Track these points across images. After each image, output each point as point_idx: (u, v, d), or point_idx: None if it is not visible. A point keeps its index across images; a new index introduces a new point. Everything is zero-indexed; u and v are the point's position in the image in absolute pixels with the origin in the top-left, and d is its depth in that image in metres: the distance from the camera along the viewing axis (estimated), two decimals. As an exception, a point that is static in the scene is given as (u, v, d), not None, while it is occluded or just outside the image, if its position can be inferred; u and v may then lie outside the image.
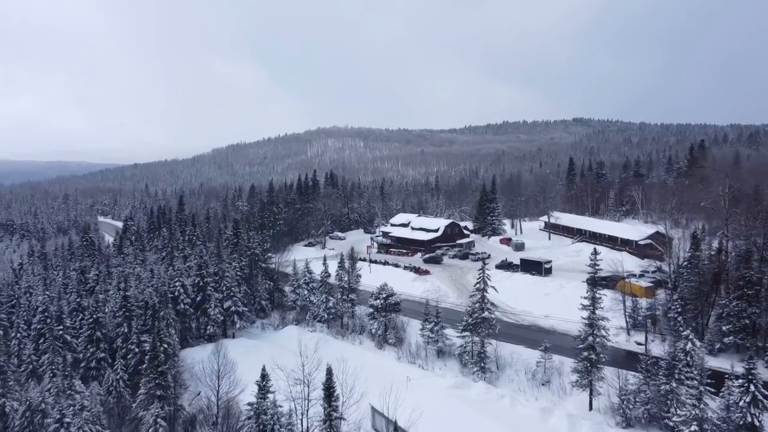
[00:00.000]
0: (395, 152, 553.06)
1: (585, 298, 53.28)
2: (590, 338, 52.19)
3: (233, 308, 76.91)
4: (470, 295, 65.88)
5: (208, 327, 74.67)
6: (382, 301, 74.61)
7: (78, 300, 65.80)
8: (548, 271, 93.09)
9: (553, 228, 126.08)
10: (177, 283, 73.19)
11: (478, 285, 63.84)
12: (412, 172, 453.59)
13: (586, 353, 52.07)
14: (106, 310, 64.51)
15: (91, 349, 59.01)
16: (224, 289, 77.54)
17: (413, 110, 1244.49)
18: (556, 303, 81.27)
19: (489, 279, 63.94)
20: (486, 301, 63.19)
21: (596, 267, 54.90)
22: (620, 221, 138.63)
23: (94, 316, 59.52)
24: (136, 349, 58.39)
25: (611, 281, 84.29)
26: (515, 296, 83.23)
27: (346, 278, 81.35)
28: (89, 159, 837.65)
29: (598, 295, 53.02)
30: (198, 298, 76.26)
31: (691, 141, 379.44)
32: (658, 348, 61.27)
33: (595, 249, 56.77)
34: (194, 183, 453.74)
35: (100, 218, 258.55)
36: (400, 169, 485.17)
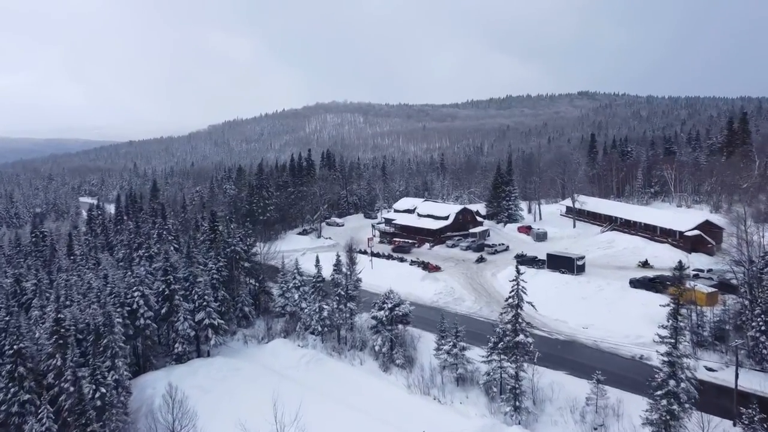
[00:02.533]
0: (396, 128, 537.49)
1: (663, 327, 39.60)
2: (671, 382, 38.63)
3: (207, 321, 63.33)
4: (501, 312, 52.15)
5: (176, 345, 61.21)
6: (387, 312, 60.95)
7: (7, 319, 52.03)
8: (581, 269, 79.43)
9: (576, 214, 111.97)
10: (136, 293, 59.42)
11: (510, 300, 50.12)
12: (414, 149, 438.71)
13: (665, 402, 38.62)
14: (38, 334, 50.64)
15: (12, 389, 45.58)
16: (196, 297, 63.91)
17: (414, 84, 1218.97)
18: (595, 310, 67.97)
19: (525, 291, 50.14)
20: (521, 321, 49.51)
21: (682, 281, 41.09)
22: (648, 204, 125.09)
23: (15, 346, 45.80)
24: (71, 388, 44.95)
25: (659, 283, 70.91)
26: (544, 301, 68.38)
27: (343, 282, 67.45)
28: (87, 136, 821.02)
29: (680, 324, 39.30)
30: (163, 310, 62.69)
31: (702, 114, 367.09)
32: (732, 376, 48.27)
33: (680, 262, 42.88)
34: (188, 161, 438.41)
35: (82, 199, 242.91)
36: (401, 145, 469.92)
